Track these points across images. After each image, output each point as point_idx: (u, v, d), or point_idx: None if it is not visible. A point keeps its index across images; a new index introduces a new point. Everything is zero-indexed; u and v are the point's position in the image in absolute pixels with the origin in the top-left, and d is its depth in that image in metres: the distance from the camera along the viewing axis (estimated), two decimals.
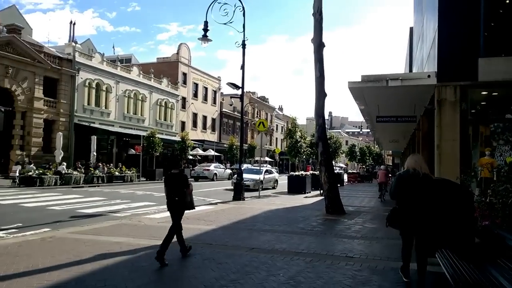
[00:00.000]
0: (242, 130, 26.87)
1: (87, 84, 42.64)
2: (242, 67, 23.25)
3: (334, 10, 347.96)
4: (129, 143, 45.28)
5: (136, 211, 17.26)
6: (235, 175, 34.75)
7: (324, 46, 18.35)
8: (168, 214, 15.17)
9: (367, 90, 14.33)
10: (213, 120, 68.90)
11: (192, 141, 50.93)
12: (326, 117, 21.28)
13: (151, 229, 12.37)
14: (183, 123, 60.27)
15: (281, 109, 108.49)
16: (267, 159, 70.63)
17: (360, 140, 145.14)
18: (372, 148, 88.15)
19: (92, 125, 41.88)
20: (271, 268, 8.15)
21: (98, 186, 31.45)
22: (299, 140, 47.49)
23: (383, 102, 16.58)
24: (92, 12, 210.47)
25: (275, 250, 9.92)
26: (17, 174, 27.52)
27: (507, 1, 12.73)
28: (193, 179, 40.66)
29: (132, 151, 42.92)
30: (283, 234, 12.14)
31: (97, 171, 33.46)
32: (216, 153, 58.27)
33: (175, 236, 8.85)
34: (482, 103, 13.48)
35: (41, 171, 28.58)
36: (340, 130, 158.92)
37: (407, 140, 31.36)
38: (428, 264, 7.55)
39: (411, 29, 29.08)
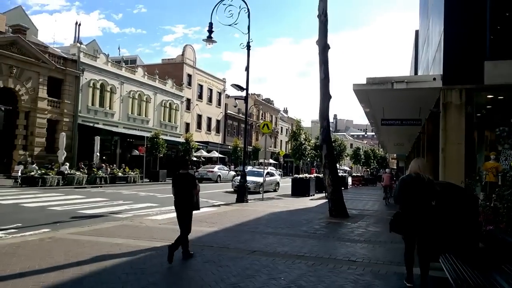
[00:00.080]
0: (246, 132, 26.76)
1: (91, 84, 42.65)
2: (247, 69, 23.16)
3: (339, 13, 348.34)
4: (133, 144, 45.17)
5: (138, 212, 17.16)
6: (236, 177, 34.77)
7: (329, 48, 18.27)
8: (170, 215, 15.20)
9: (372, 92, 14.22)
10: (218, 121, 68.85)
11: (196, 143, 50.90)
12: (331, 119, 21.22)
13: (152, 230, 12.25)
14: (187, 125, 60.22)
15: (286, 111, 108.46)
16: (271, 161, 70.69)
17: (364, 143, 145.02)
18: (377, 151, 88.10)
19: (96, 125, 41.92)
20: (272, 272, 8.03)
21: (101, 186, 31.35)
22: (303, 142, 47.53)
23: (388, 105, 16.47)
24: (98, 14, 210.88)
25: (277, 253, 9.80)
26: (19, 174, 27.38)
27: None
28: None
29: (136, 152, 42.85)
30: (286, 237, 12.02)
31: (100, 171, 33.36)
32: (220, 155, 58.18)
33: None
34: (488, 106, 13.35)
35: (43, 171, 28.50)
36: (345, 133, 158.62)
37: (411, 143, 31.24)
38: (431, 269, 7.47)
39: (417, 32, 28.98)
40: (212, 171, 45.21)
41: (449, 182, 9.36)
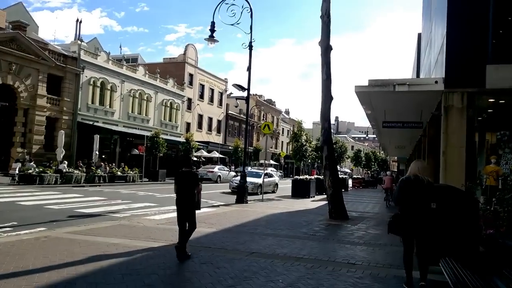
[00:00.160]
0: (247, 132, 26.70)
1: (91, 82, 42.46)
2: (249, 69, 23.12)
3: (343, 15, 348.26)
4: (132, 143, 45.01)
5: (136, 212, 17.05)
6: (233, 178, 34.64)
7: (331, 49, 18.23)
8: (168, 215, 15.13)
9: (374, 94, 14.15)
10: (219, 122, 68.73)
11: (196, 143, 50.75)
12: (333, 121, 21.19)
13: (149, 230, 12.15)
14: (188, 124, 60.10)
15: (287, 112, 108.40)
16: (272, 162, 70.59)
17: (366, 145, 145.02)
18: (378, 153, 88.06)
19: (95, 124, 41.68)
20: (270, 274, 7.93)
21: (100, 185, 31.18)
22: (304, 143, 47.47)
23: (390, 107, 16.40)
24: (100, 12, 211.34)
25: (275, 255, 9.72)
26: (17, 172, 27.24)
27: None
28: None
29: (136, 151, 42.73)
30: (285, 239, 11.95)
31: (99, 170, 33.23)
32: (220, 155, 58.07)
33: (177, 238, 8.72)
34: (489, 110, 13.31)
35: (41, 169, 28.29)
36: (346, 135, 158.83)
37: (413, 146, 31.17)
38: (432, 273, 7.43)
39: (419, 35, 28.93)
40: (212, 172, 45.12)
41: (450, 185, 9.29)
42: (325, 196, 21.57)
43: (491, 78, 11.23)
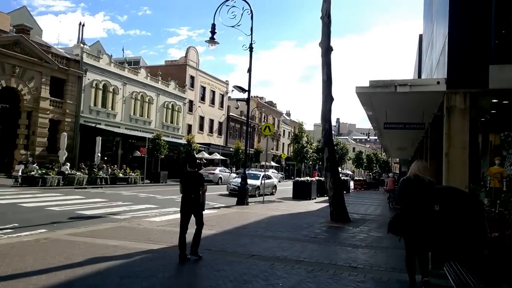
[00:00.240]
0: (248, 133, 26.64)
1: (94, 85, 42.48)
2: (249, 71, 23.10)
3: (343, 17, 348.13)
4: (134, 145, 44.94)
5: (137, 214, 16.98)
6: (232, 180, 34.47)
7: (332, 50, 18.18)
8: (168, 217, 15.06)
9: (375, 95, 14.04)
10: (220, 123, 68.70)
11: (198, 144, 50.76)
12: (334, 123, 21.13)
13: (149, 232, 12.08)
14: (189, 126, 60.07)
15: (288, 114, 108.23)
16: (273, 164, 70.52)
17: (367, 147, 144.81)
18: (379, 155, 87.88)
19: (97, 126, 41.75)
20: (270, 277, 7.84)
21: (101, 187, 31.13)
22: (305, 145, 47.39)
23: (391, 108, 16.29)
24: (103, 15, 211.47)
25: (276, 257, 9.63)
26: (20, 174, 27.21)
27: None
28: None
29: (138, 153, 42.64)
30: (286, 241, 11.88)
31: (101, 172, 33.19)
32: (222, 157, 57.98)
33: (178, 238, 8.93)
34: (492, 111, 13.18)
35: (43, 171, 28.29)
36: (347, 137, 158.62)
37: (414, 147, 31.02)
38: (436, 277, 7.36)
39: (421, 36, 28.83)
40: (213, 173, 45.01)
41: (453, 187, 9.20)
42: (326, 198, 21.49)
43: (494, 78, 11.12)
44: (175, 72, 58.17)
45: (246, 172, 24.52)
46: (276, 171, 69.37)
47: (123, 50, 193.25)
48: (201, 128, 62.92)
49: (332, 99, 18.14)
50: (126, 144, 45.45)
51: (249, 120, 25.63)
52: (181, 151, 50.44)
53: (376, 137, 51.07)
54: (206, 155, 55.51)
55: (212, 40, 22.51)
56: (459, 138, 11.47)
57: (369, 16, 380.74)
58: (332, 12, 18.19)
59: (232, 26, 22.02)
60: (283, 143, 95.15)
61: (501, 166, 12.06)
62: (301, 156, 48.14)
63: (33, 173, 27.58)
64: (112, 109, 45.10)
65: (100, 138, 35.84)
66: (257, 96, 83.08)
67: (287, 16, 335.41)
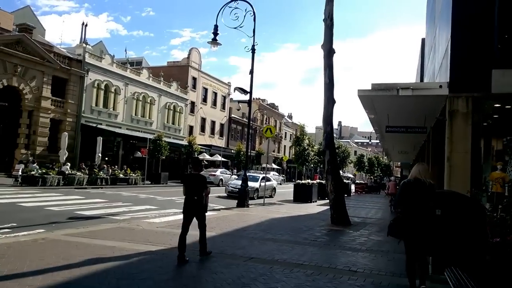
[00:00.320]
0: (249, 135, 26.57)
1: (96, 85, 42.45)
2: (251, 72, 23.06)
3: (346, 21, 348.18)
4: (135, 146, 44.92)
5: (136, 215, 16.90)
6: (230, 181, 34.34)
7: (334, 52, 18.14)
8: (168, 219, 14.99)
9: (377, 98, 13.98)
10: (222, 125, 68.65)
11: (199, 146, 50.70)
12: (336, 126, 21.12)
13: (148, 234, 12.01)
14: (191, 128, 60.01)
15: (290, 116, 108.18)
16: (274, 166, 70.36)
17: (369, 150, 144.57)
18: (381, 159, 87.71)
19: (99, 126, 41.68)
20: (268, 281, 7.76)
21: (102, 188, 31.07)
22: (306, 148, 47.21)
23: (393, 112, 16.23)
24: (107, 16, 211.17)
25: (275, 260, 9.55)
26: (20, 173, 27.15)
27: None
28: None
29: (139, 154, 42.60)
30: (285, 244, 11.81)
31: (102, 172, 33.16)
32: (223, 159, 57.88)
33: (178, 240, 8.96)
34: (495, 116, 13.12)
35: (44, 171, 28.26)
36: (349, 140, 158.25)
37: (416, 151, 30.95)
38: (436, 282, 7.31)
39: (423, 40, 28.77)
40: (214, 175, 44.89)
41: (455, 191, 9.13)
42: (327, 201, 21.44)
43: (497, 82, 11.05)
44: (177, 73, 58.17)
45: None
46: (277, 174, 69.35)
47: (125, 50, 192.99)
48: (202, 129, 62.85)
49: (334, 102, 18.10)
50: (127, 144, 45.43)
51: (251, 122, 25.60)
52: (182, 152, 50.40)
53: (378, 141, 50.98)
54: (207, 157, 55.41)
55: (214, 41, 22.49)
56: (461, 143, 11.40)
57: (371, 20, 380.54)
58: (335, 15, 18.16)
59: (235, 28, 21.99)
60: (285, 146, 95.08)
61: (503, 171, 11.99)
62: (303, 158, 47.93)
63: (33, 172, 27.57)
64: (113, 109, 45.08)
65: (101, 138, 35.86)
66: (259, 98, 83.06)
67: (291, 18, 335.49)
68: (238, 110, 70.09)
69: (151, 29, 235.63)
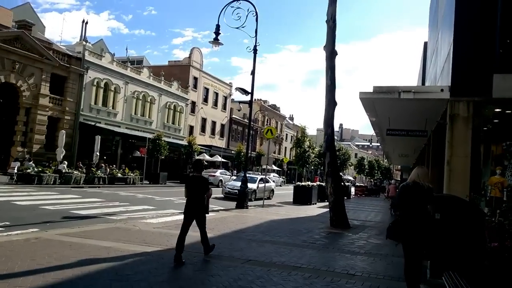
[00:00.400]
0: (249, 136, 26.44)
1: (95, 83, 42.31)
2: (252, 73, 23.02)
3: (349, 24, 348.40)
4: (134, 145, 44.78)
5: (133, 215, 16.68)
6: (227, 183, 34.16)
7: (336, 54, 18.09)
8: (165, 219, 14.86)
9: (379, 101, 13.92)
10: (222, 126, 68.57)
11: (199, 146, 50.58)
12: (337, 128, 21.06)
13: (145, 234, 11.86)
14: (191, 128, 59.90)
15: (291, 118, 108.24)
16: (274, 167, 70.33)
17: (369, 153, 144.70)
18: (381, 162, 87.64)
19: (97, 124, 41.50)
20: (265, 284, 7.64)
21: (99, 187, 30.87)
22: (307, 150, 47.10)
23: (394, 115, 16.16)
24: (108, 14, 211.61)
25: (272, 263, 9.43)
26: (16, 171, 26.98)
27: None
28: None
29: (137, 153, 42.46)
30: (283, 246, 11.71)
31: (99, 171, 32.99)
32: (223, 160, 57.77)
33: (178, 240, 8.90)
34: (495, 120, 13.05)
35: (40, 169, 28.01)
36: (350, 143, 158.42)
37: (417, 155, 30.90)
38: (434, 287, 7.30)
39: (425, 43, 28.71)
40: (214, 175, 44.69)
41: (454, 195, 9.05)
42: (327, 203, 21.36)
43: (498, 87, 10.98)
44: (178, 72, 58.07)
45: (242, 175, 24.36)
46: (277, 175, 69.28)
47: (127, 49, 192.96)
48: (203, 129, 62.73)
49: (335, 104, 18.04)
50: (126, 144, 45.29)
51: (252, 123, 25.50)
52: (182, 153, 50.29)
53: (379, 144, 50.99)
54: (207, 157, 55.29)
55: (216, 41, 22.39)
56: (461, 147, 11.34)
57: (375, 23, 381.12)
58: (339, 18, 18.12)
59: (237, 28, 21.92)
60: (286, 147, 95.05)
61: (502, 175, 11.92)
62: (303, 160, 47.81)
63: (29, 170, 27.30)
64: (113, 108, 44.95)
65: (100, 137, 35.66)
66: (260, 99, 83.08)
67: (294, 20, 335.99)
68: (239, 110, 70.06)
69: (153, 28, 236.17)
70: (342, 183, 36.08)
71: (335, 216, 17.37)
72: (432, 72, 20.48)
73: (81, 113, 40.63)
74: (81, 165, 33.22)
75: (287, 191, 38.97)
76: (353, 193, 49.79)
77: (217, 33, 22.30)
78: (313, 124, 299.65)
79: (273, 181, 44.94)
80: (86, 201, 20.42)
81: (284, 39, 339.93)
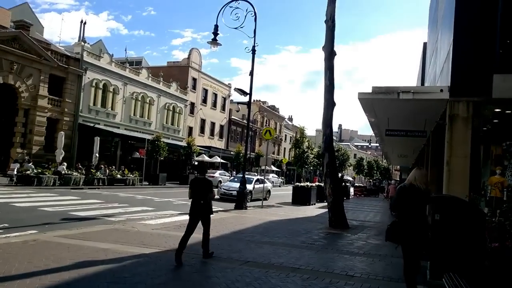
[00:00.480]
0: (248, 137, 26.36)
1: (94, 84, 42.21)
2: (251, 73, 22.96)
3: (348, 25, 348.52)
4: (134, 146, 44.75)
5: (132, 216, 16.64)
6: (223, 183, 34.07)
7: (335, 54, 18.05)
8: (164, 220, 14.81)
9: (378, 102, 13.89)
10: (221, 127, 68.50)
11: (198, 147, 50.55)
12: (336, 129, 21.04)
13: (143, 236, 11.82)
14: (190, 129, 59.84)
15: (290, 119, 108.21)
16: (273, 168, 70.30)
17: (368, 154, 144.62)
18: (380, 162, 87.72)
19: (96, 126, 41.46)
20: (263, 285, 7.60)
21: (98, 188, 30.76)
22: (306, 150, 47.23)
23: (394, 115, 16.13)
24: (107, 15, 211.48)
25: (271, 264, 9.39)
26: (15, 173, 26.93)
27: None
28: None
29: (137, 155, 42.45)
30: (282, 247, 11.66)
31: (99, 173, 32.95)
32: (222, 160, 57.76)
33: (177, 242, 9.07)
34: (495, 120, 13.03)
35: (39, 170, 28.00)
36: (349, 143, 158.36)
37: (416, 155, 30.89)
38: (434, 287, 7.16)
39: (425, 44, 28.71)
40: (213, 176, 44.62)
41: (454, 196, 9.02)
42: (326, 204, 21.31)
43: (498, 87, 10.96)
44: (177, 73, 57.98)
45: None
46: (276, 176, 69.28)
47: (126, 50, 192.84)
48: (202, 130, 62.69)
49: (334, 105, 18.00)
50: (125, 145, 45.17)
51: (251, 124, 25.46)
52: (181, 154, 50.24)
53: (378, 144, 50.98)
54: (207, 158, 55.24)
55: (214, 41, 22.35)
56: (461, 147, 11.34)
57: (374, 24, 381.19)
58: (339, 18, 18.08)
59: (235, 28, 21.89)
60: (285, 148, 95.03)
61: (502, 175, 11.90)
62: (302, 161, 48.00)
63: (28, 172, 27.31)
64: (112, 109, 44.85)
65: (99, 138, 35.65)
66: (259, 100, 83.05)
67: (294, 21, 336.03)
68: (238, 111, 70.08)
69: (152, 29, 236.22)
70: (343, 184, 36.27)
71: (334, 216, 17.33)
72: (432, 72, 20.46)
73: (80, 114, 40.54)
74: (80, 166, 33.17)
75: (286, 191, 38.92)
76: (352, 194, 49.76)
77: (215, 33, 22.27)
78: (313, 125, 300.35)
79: (272, 182, 44.94)
80: (85, 202, 20.37)
81: (283, 40, 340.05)
